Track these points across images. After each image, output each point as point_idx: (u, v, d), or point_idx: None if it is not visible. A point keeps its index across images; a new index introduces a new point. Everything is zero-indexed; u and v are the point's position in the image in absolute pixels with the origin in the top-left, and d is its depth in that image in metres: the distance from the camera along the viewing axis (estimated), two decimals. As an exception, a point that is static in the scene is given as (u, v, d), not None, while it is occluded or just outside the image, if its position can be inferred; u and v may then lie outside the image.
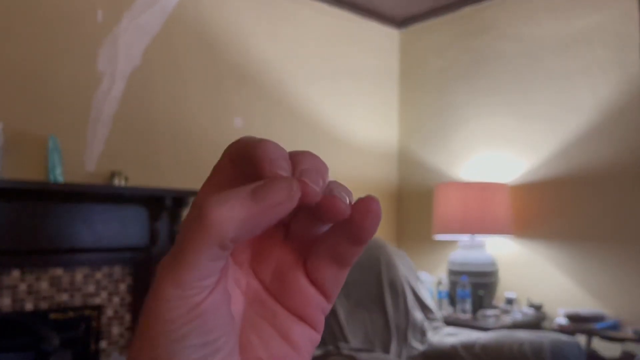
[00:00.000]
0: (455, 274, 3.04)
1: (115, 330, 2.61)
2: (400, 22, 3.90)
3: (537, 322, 2.94)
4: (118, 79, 2.68)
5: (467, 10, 3.55)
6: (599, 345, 2.70)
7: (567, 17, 3.09)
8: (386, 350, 2.50)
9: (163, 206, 2.66)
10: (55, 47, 2.49)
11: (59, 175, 2.38)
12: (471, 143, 3.48)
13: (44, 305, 2.41)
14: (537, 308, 2.97)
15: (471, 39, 3.52)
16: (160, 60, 2.82)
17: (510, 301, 2.98)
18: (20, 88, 2.39)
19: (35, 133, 2.41)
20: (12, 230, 2.31)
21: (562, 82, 3.08)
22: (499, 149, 3.34)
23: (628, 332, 2.57)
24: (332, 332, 2.39)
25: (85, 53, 2.58)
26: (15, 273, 2.34)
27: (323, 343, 2.35)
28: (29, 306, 2.37)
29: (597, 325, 2.60)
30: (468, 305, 2.93)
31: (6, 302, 2.31)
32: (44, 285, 2.42)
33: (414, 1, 3.59)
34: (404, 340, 2.58)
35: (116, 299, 2.63)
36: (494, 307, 2.99)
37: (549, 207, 3.10)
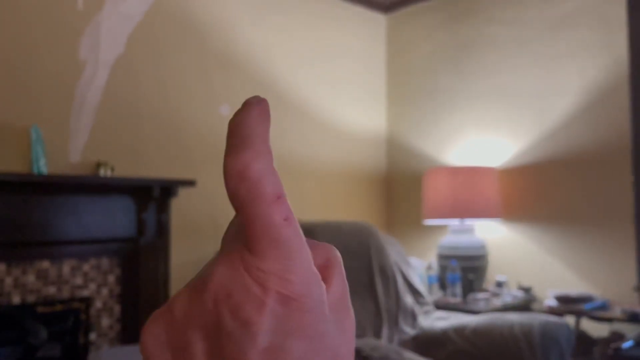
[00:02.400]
0: (445, 258, 3.05)
1: (105, 322, 2.59)
2: (387, 6, 3.87)
3: (527, 304, 2.97)
4: (101, 67, 2.63)
5: (454, -7, 3.53)
6: (588, 326, 2.73)
7: (553, 0, 3.08)
8: (378, 335, 2.50)
9: (150, 196, 2.63)
10: (35, 36, 2.44)
11: (43, 166, 2.33)
12: (460, 127, 3.47)
13: (31, 298, 2.38)
14: (527, 290, 2.99)
15: (458, 23, 3.50)
16: (145, 47, 2.77)
17: (500, 284, 3.00)
18: (0, 78, 2.34)
19: (17, 124, 2.36)
20: (-4, 223, 2.27)
21: (549, 65, 3.08)
22: (487, 133, 3.35)
23: (616, 312, 2.60)
24: (324, 319, 2.39)
25: (66, 41, 2.53)
26: (1, 266, 2.31)
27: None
28: (15, 300, 2.33)
29: (585, 306, 2.63)
30: (458, 289, 2.94)
31: (-8, 296, 2.28)
32: (30, 278, 2.39)
33: (400, -15, 3.56)
34: (395, 325, 2.58)
35: (105, 291, 2.60)
36: (484, 291, 3.01)
37: (537, 190, 3.11)
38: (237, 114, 0.20)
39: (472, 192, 3.00)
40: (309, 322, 0.19)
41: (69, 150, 2.52)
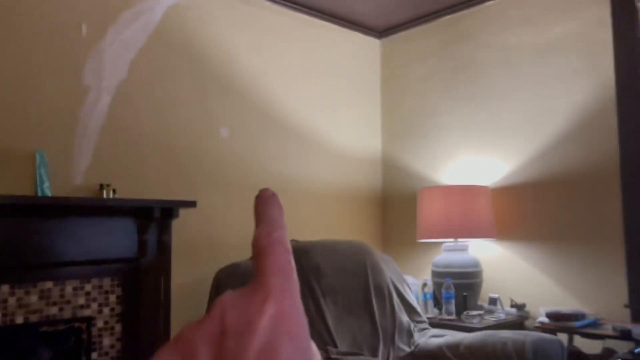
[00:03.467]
0: (440, 276, 3.10)
1: (106, 341, 2.63)
2: (381, 31, 3.98)
3: (520, 321, 3.02)
4: (104, 93, 2.72)
5: (446, 19, 3.65)
6: (581, 343, 2.78)
7: (542, 25, 3.19)
8: (374, 353, 2.55)
9: (151, 217, 2.69)
10: (41, 63, 2.52)
11: (47, 189, 2.40)
12: (452, 148, 3.56)
13: (33, 318, 2.43)
14: (520, 308, 3.04)
15: (450, 48, 3.61)
16: (146, 73, 2.86)
17: (493, 301, 3.06)
18: (6, 103, 2.42)
19: (22, 148, 2.43)
20: (1, 245, 2.33)
21: (538, 88, 3.18)
22: (479, 153, 3.43)
23: (608, 329, 2.65)
24: (321, 337, 2.44)
25: (70, 67, 2.61)
26: (5, 288, 2.36)
27: (312, 348, 2.39)
28: (19, 320, 2.38)
29: (577, 323, 2.68)
30: (453, 307, 2.99)
31: (-4, 317, 2.33)
32: (33, 298, 2.44)
33: (394, 11, 3.67)
34: (391, 343, 2.63)
35: (106, 310, 2.65)
36: (478, 308, 3.06)
37: (528, 209, 3.19)
38: (259, 204, 0.31)
39: (466, 211, 3.07)
40: (296, 331, 0.25)
41: (72, 173, 2.59)
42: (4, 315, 2.35)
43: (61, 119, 2.57)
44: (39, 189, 2.38)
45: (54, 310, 2.49)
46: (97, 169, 2.66)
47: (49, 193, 2.40)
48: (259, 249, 0.28)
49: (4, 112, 2.41)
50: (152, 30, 2.90)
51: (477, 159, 3.44)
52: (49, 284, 2.49)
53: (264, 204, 0.31)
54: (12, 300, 2.38)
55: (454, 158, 3.55)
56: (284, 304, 0.25)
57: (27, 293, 2.43)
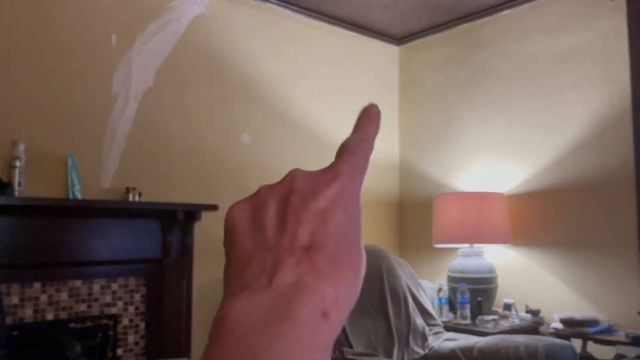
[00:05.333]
0: (455, 281, 3.16)
1: (131, 338, 2.75)
2: (399, 39, 4.05)
3: (534, 327, 3.05)
4: (131, 100, 2.84)
5: (463, 27, 3.70)
6: (594, 349, 2.81)
7: (558, 34, 3.23)
8: (389, 355, 2.62)
9: (175, 220, 2.80)
10: (73, 71, 2.65)
11: (78, 192, 2.52)
12: (469, 154, 3.61)
13: (63, 315, 2.55)
14: (535, 313, 3.08)
15: (467, 55, 3.66)
16: (171, 80, 2.97)
17: (508, 307, 3.10)
18: (41, 110, 2.55)
19: (56, 153, 2.56)
20: (34, 245, 2.46)
21: (554, 96, 3.21)
22: (495, 160, 3.48)
23: (621, 335, 2.68)
24: (337, 338, 2.51)
25: (100, 76, 2.74)
26: (37, 285, 2.48)
27: (328, 348, 2.47)
28: (49, 316, 2.51)
29: (590, 329, 2.71)
30: (467, 311, 3.04)
31: (28, 313, 2.45)
32: (63, 296, 2.56)
33: (412, 19, 3.74)
34: (405, 345, 2.70)
35: (131, 309, 2.76)
36: (493, 313, 3.11)
37: (544, 216, 3.22)
38: (364, 115, 0.35)
39: (481, 217, 3.12)
40: (351, 204, 0.29)
41: (101, 177, 2.71)
42: (36, 311, 2.48)
43: (91, 125, 2.70)
44: (70, 191, 2.50)
45: (82, 307, 2.61)
46: (124, 173, 2.78)
47: (79, 196, 2.53)
48: (345, 147, 0.31)
49: (39, 119, 2.54)
50: (177, 40, 3.01)
51: (492, 165, 3.49)
52: (78, 283, 2.61)
53: (368, 118, 0.34)
54: (43, 298, 2.51)
55: (470, 164, 3.60)
56: (348, 186, 0.29)
57: (58, 291, 2.55)
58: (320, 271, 0.26)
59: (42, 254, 2.49)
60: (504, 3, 3.43)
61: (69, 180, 2.51)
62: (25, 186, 2.40)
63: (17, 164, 2.36)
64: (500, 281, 3.24)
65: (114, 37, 2.79)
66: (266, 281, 0.26)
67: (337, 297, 0.26)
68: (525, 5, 3.37)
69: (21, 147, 2.38)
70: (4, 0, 2.48)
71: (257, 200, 0.30)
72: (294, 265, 0.26)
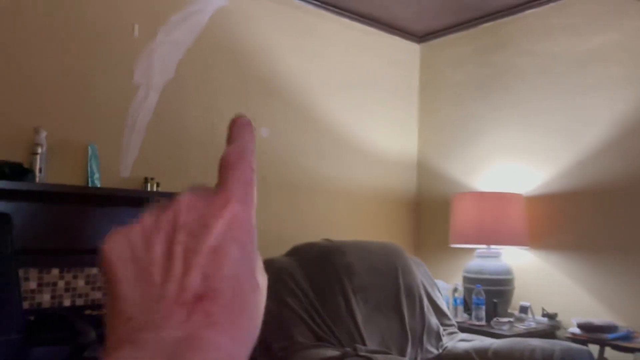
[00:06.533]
0: (471, 282, 3.12)
1: (145, 327, 2.76)
2: (420, 36, 4.02)
3: (551, 331, 3.01)
4: (152, 91, 2.85)
5: (486, 26, 3.65)
6: (612, 355, 2.76)
7: (583, 34, 3.17)
8: (402, 353, 2.60)
9: (192, 211, 2.80)
10: (95, 61, 2.67)
11: (97, 180, 2.54)
12: (488, 154, 3.56)
13: (79, 302, 2.58)
14: (552, 317, 3.03)
15: (489, 54, 3.62)
16: (192, 72, 2.98)
17: (524, 309, 3.05)
18: (63, 98, 2.57)
19: (76, 141, 2.58)
20: (53, 231, 2.48)
21: (578, 97, 3.16)
22: (515, 161, 3.43)
23: (640, 342, 2.62)
24: (350, 334, 2.50)
25: (122, 66, 2.76)
26: (55, 271, 2.51)
27: (340, 344, 2.46)
28: (66, 302, 2.53)
29: (609, 335, 2.66)
30: (483, 313, 3.01)
31: (46, 298, 2.48)
32: (80, 283, 2.59)
33: (434, 17, 3.71)
34: (419, 344, 2.67)
35: (146, 298, 2.77)
36: (509, 315, 3.07)
37: (563, 219, 3.17)
38: (235, 126, 0.31)
39: (499, 218, 3.08)
40: (245, 233, 0.27)
41: (120, 166, 2.73)
42: (53, 297, 2.50)
43: (112, 114, 2.72)
44: (89, 180, 2.52)
45: (98, 295, 2.64)
46: (143, 163, 2.80)
47: (98, 184, 2.55)
48: (228, 163, 0.28)
49: (61, 107, 2.56)
50: (199, 32, 3.02)
51: (512, 166, 3.44)
52: (94, 270, 2.63)
53: (241, 128, 0.30)
54: (61, 284, 2.53)
55: (489, 164, 3.56)
56: (240, 212, 0.27)
57: (75, 277, 2.58)
58: (215, 323, 0.24)
59: (61, 240, 2.51)
60: (529, 2, 3.38)
61: (89, 169, 2.53)
62: (45, 173, 2.43)
63: (39, 150, 2.38)
64: (516, 283, 3.20)
65: (136, 27, 2.80)
66: (153, 335, 0.23)
67: (233, 349, 0.24)
68: (551, 5, 3.32)
69: (43, 134, 2.40)
70: (30, -11, 2.51)
71: (138, 237, 0.26)
72: (184, 318, 0.24)
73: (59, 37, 2.57)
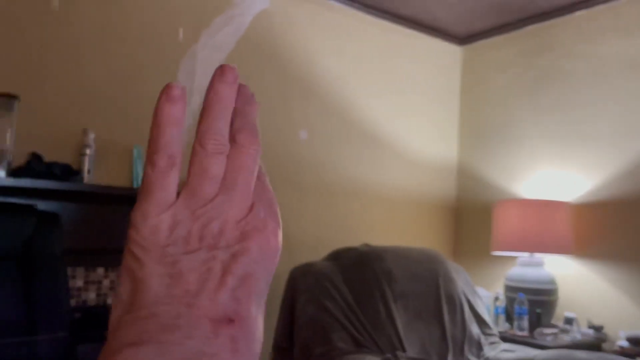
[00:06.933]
0: (513, 291, 3.05)
1: (185, 327, 2.80)
2: (462, 38, 3.95)
3: (597, 343, 2.91)
4: (195, 94, 2.88)
5: (532, 28, 3.57)
6: (663, 371, 2.65)
7: (635, 36, 3.05)
8: (442, 362, 2.55)
9: (232, 213, 2.83)
10: (141, 64, 2.72)
11: (142, 181, 2.59)
12: (532, 160, 3.48)
13: (123, 300, 2.62)
14: (598, 329, 2.94)
15: (535, 57, 3.53)
16: (234, 76, 3.00)
17: (569, 321, 2.96)
18: (111, 101, 2.63)
19: (122, 142, 2.63)
20: (99, 231, 2.54)
21: (629, 101, 3.05)
22: (561, 167, 3.33)
23: (694, 359, 2.51)
24: (390, 341, 2.48)
25: (167, 69, 2.80)
26: (100, 270, 2.57)
27: (380, 351, 2.44)
28: (110, 300, 2.58)
29: (660, 350, 2.56)
30: (525, 323, 2.93)
31: (92, 296, 2.54)
32: (124, 282, 2.64)
33: (478, 18, 3.64)
34: (460, 353, 2.62)
35: (187, 299, 2.81)
36: (553, 326, 2.98)
37: (611, 228, 3.06)
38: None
39: (543, 226, 3.00)
40: (272, 268, 0.28)
41: (163, 168, 2.77)
42: (98, 295, 2.56)
43: (156, 116, 2.76)
44: (134, 181, 2.57)
45: (141, 294, 2.68)
46: (186, 164, 2.82)
47: (143, 185, 2.59)
48: (246, 165, 0.28)
49: (108, 109, 2.62)
50: (241, 35, 3.04)
51: (557, 173, 3.35)
52: (137, 270, 2.67)
53: (248, 105, 0.29)
54: (105, 282, 2.59)
55: (533, 170, 3.47)
56: (272, 237, 0.29)
57: (119, 277, 2.62)
58: (237, 350, 0.24)
59: (106, 239, 2.56)
60: (578, 3, 3.28)
61: (134, 170, 2.58)
62: (93, 174, 2.48)
63: (87, 151, 2.44)
64: (560, 293, 3.11)
65: (181, 30, 2.84)
66: (180, 340, 0.23)
67: None
68: (602, 6, 3.21)
69: (91, 136, 2.45)
70: (80, -6, 2.57)
71: (182, 233, 0.25)
72: (212, 335, 0.24)
73: (106, 41, 2.63)
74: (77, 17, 2.56)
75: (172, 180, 0.26)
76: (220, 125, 0.28)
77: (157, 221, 0.25)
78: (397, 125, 3.64)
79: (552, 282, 3.04)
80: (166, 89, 0.28)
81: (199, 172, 0.27)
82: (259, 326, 0.26)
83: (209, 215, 0.26)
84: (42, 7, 2.48)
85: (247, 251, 0.26)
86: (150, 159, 0.27)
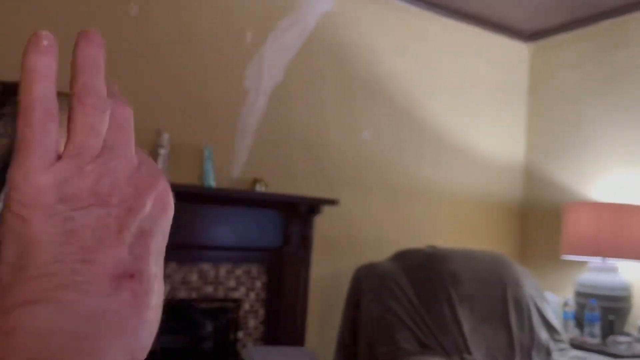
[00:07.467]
0: (584, 296, 2.94)
1: (251, 322, 2.87)
2: (528, 35, 3.84)
3: (675, 354, 2.77)
4: (262, 95, 2.95)
5: (606, 23, 3.42)
6: None
7: None
8: (509, 367, 2.51)
9: (297, 212, 2.88)
10: (210, 67, 2.81)
11: (212, 181, 2.68)
12: (604, 161, 3.34)
13: (193, 294, 2.72)
14: (676, 340, 2.79)
15: (608, 54, 3.39)
16: (300, 76, 3.05)
17: (644, 330, 2.83)
18: (182, 103, 2.73)
19: (194, 143, 2.73)
20: (172, 227, 2.64)
21: None
22: (635, 169, 3.18)
23: None
24: (455, 343, 2.45)
25: (235, 71, 2.88)
26: (173, 265, 2.67)
27: (445, 353, 2.42)
28: (181, 295, 2.69)
29: None
30: (597, 330, 2.83)
31: (164, 289, 2.65)
32: (194, 277, 2.74)
33: (546, 15, 3.53)
34: (528, 358, 2.57)
35: (252, 295, 2.89)
36: (626, 334, 2.86)
37: (693, 233, 2.90)
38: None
39: (617, 231, 2.88)
40: (167, 228, 0.29)
41: (231, 167, 2.85)
42: (170, 289, 2.67)
43: (225, 118, 2.85)
44: (205, 180, 2.66)
45: (210, 289, 2.77)
46: (252, 164, 2.90)
47: (213, 184, 2.68)
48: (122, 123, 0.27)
49: (179, 111, 2.72)
50: (306, 36, 3.08)
51: (632, 174, 3.20)
52: (206, 265, 2.77)
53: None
54: (177, 277, 2.69)
55: (606, 172, 3.33)
56: (165, 191, 0.29)
57: (190, 271, 2.73)
58: (139, 306, 0.24)
59: (177, 236, 2.64)
60: (657, -3, 3.13)
61: (205, 169, 2.67)
62: (166, 173, 2.59)
63: (161, 152, 2.55)
64: (635, 300, 2.98)
65: (248, 33, 2.91)
66: (78, 298, 0.22)
67: (142, 340, 0.24)
68: (683, -1, 3.05)
69: (165, 136, 2.56)
70: (151, 2, 2.69)
71: (74, 189, 0.24)
72: (112, 291, 0.23)
73: (177, 45, 2.73)
74: (153, 22, 2.68)
75: (51, 136, 0.24)
76: (98, 83, 0.26)
77: (41, 179, 0.24)
78: (462, 124, 3.58)
79: (626, 288, 2.91)
80: (33, 39, 0.25)
81: (81, 129, 0.25)
82: (159, 281, 0.26)
83: (99, 172, 0.25)
84: (121, 14, 2.61)
85: (142, 207, 0.26)
86: (24, 116, 0.24)
